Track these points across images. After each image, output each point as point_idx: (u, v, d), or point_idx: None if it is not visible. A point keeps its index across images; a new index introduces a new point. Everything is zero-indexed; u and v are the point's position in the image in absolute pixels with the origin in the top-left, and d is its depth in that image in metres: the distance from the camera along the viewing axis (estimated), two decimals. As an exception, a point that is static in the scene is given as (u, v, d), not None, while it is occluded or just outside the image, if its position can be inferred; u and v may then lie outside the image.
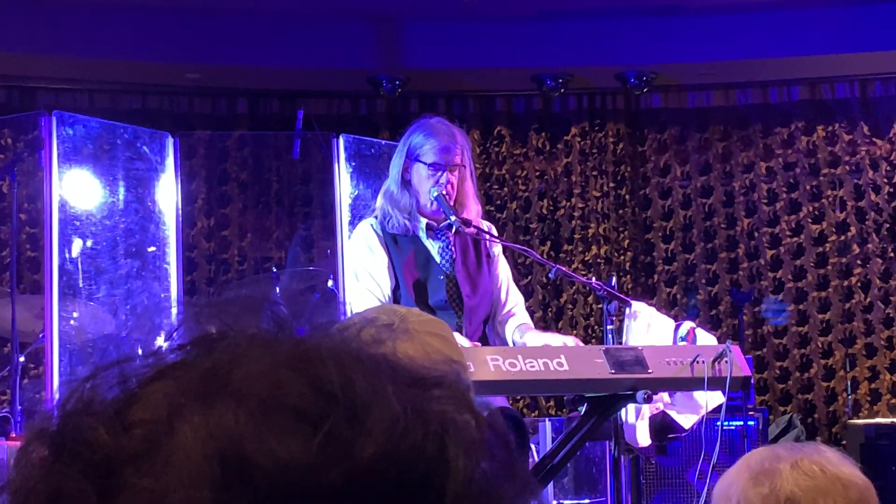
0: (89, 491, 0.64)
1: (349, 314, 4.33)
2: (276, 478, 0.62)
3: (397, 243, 4.50)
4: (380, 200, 4.62)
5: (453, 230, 4.51)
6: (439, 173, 4.44)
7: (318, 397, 0.64)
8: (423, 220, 4.51)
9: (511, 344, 4.51)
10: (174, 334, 0.71)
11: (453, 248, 4.53)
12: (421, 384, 0.68)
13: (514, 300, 4.66)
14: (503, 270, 4.68)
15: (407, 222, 4.49)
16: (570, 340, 4.38)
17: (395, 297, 4.46)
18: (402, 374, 0.68)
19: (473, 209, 4.55)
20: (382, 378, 0.66)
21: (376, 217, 4.54)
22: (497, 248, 4.71)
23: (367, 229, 4.55)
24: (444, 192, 4.44)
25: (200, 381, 0.66)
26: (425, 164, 4.45)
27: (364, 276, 4.46)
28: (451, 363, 0.72)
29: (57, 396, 0.69)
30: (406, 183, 4.50)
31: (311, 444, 0.63)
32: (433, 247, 4.52)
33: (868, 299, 8.49)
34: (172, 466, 0.63)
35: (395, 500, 0.63)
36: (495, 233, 4.74)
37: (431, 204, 4.47)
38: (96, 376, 0.68)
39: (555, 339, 4.41)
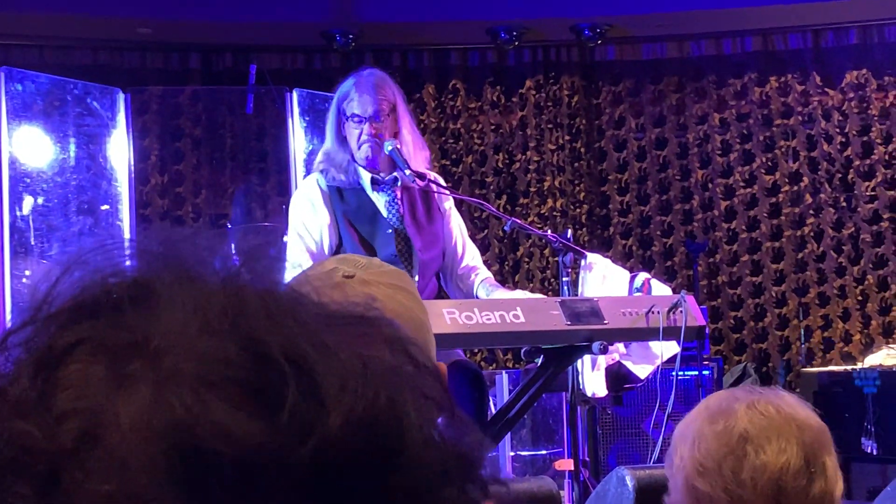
0: None
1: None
2: (242, 463, 0.59)
3: (343, 198, 4.45)
4: (319, 157, 4.58)
5: (399, 184, 4.47)
6: (363, 125, 4.40)
7: (260, 365, 0.60)
8: (367, 174, 4.46)
9: (475, 299, 4.50)
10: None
11: (400, 203, 4.49)
12: (351, 325, 0.66)
13: (471, 253, 4.64)
14: (457, 223, 4.65)
15: (344, 177, 4.44)
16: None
17: (340, 253, 4.41)
18: (331, 318, 0.66)
19: (419, 157, 4.51)
20: (316, 326, 0.63)
21: (321, 171, 4.50)
22: (449, 202, 4.67)
23: (313, 185, 4.49)
24: (397, 146, 4.41)
25: (122, 356, 0.60)
26: (348, 115, 4.42)
27: (301, 229, 4.42)
28: (371, 300, 0.70)
29: None
30: (342, 138, 4.46)
31: (271, 423, 0.59)
32: (379, 200, 4.47)
33: (821, 249, 8.56)
34: (127, 468, 0.58)
35: (363, 462, 0.62)
36: (443, 182, 4.69)
37: (367, 157, 4.42)
38: (5, 346, 0.63)
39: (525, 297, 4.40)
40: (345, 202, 4.44)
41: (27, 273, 5.81)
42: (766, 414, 1.86)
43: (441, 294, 4.64)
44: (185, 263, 0.65)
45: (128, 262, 0.66)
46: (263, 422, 0.59)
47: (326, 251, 4.39)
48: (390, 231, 4.44)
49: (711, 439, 1.85)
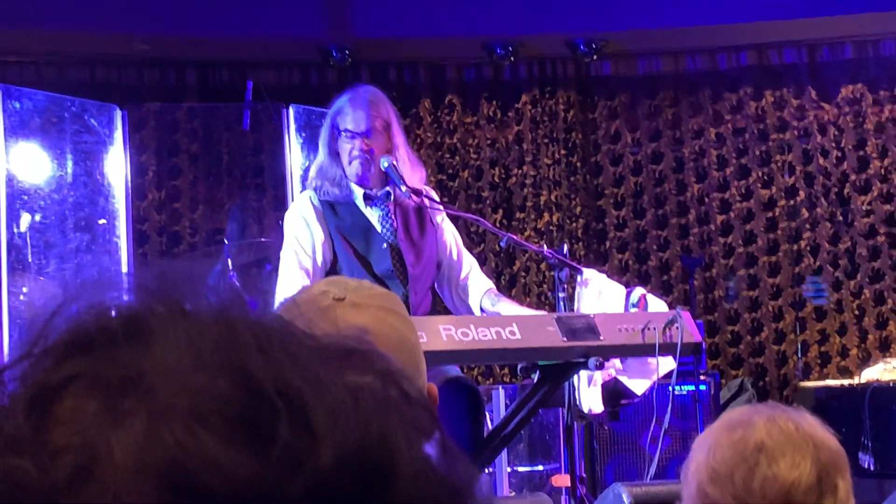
0: None
1: (279, 286, 4.33)
2: (234, 498, 0.59)
3: (336, 213, 4.45)
4: (312, 171, 4.59)
5: (391, 198, 4.47)
6: (355, 140, 4.41)
7: (252, 399, 0.61)
8: (360, 190, 4.46)
9: (479, 310, 4.50)
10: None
11: (393, 217, 4.50)
12: (343, 358, 0.66)
13: (469, 263, 4.64)
14: (451, 235, 4.65)
15: (337, 191, 4.45)
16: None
17: (335, 270, 4.41)
18: (323, 351, 0.66)
19: (415, 175, 4.52)
20: (308, 360, 0.64)
21: (314, 188, 4.51)
22: (442, 214, 4.68)
23: (305, 202, 4.50)
24: (394, 162, 4.42)
25: (117, 391, 0.61)
26: (341, 130, 4.43)
27: (295, 246, 4.42)
28: (364, 332, 0.71)
29: None
30: (335, 153, 4.47)
31: (263, 458, 0.60)
32: (373, 215, 4.48)
33: (817, 263, 8.57)
34: (119, 501, 0.58)
35: (355, 496, 0.62)
36: (435, 196, 4.69)
37: (358, 174, 4.43)
38: (0, 381, 0.63)
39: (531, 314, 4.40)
40: (338, 218, 4.44)
41: (24, 290, 5.82)
42: (785, 429, 1.86)
43: (434, 309, 4.64)
44: (179, 298, 0.66)
45: (123, 297, 0.67)
46: (256, 456, 0.60)
47: (321, 267, 4.40)
48: (385, 246, 4.45)
49: (727, 447, 1.86)
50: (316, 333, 0.68)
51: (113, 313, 0.65)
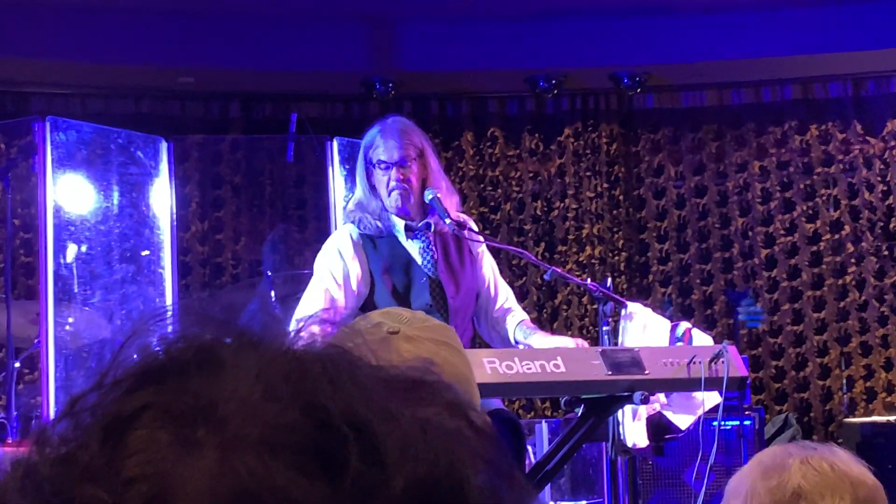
0: None
1: (298, 313, 4.31)
2: None
3: (376, 247, 4.43)
4: (350, 205, 4.57)
5: (432, 229, 4.46)
6: (390, 171, 4.40)
7: (322, 430, 0.61)
8: (401, 222, 4.45)
9: (513, 342, 4.48)
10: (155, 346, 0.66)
11: (434, 248, 4.48)
12: (410, 390, 0.66)
13: (504, 294, 4.62)
14: (489, 266, 4.63)
15: (379, 224, 4.43)
16: (580, 343, 4.35)
17: (371, 303, 4.39)
18: (390, 382, 0.66)
19: (451, 202, 4.50)
20: (376, 391, 0.64)
21: (353, 222, 4.48)
22: (481, 245, 4.66)
23: (345, 236, 4.48)
24: (437, 195, 4.41)
25: (188, 421, 0.61)
26: (374, 163, 4.42)
27: (327, 278, 4.39)
28: (430, 364, 0.71)
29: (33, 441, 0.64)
30: (372, 186, 4.46)
31: (334, 489, 0.60)
32: (413, 248, 4.46)
33: (863, 298, 8.50)
34: None
35: None
36: (473, 226, 4.68)
37: (398, 205, 4.41)
38: (72, 411, 0.64)
39: (564, 343, 4.38)
40: (378, 252, 4.42)
41: (70, 320, 5.85)
42: (820, 470, 1.84)
43: (475, 339, 4.62)
44: (247, 329, 0.67)
45: (192, 328, 0.67)
46: (326, 487, 0.60)
47: (354, 302, 4.37)
48: (425, 279, 4.43)
49: (764, 494, 1.84)
50: (382, 365, 0.68)
51: (183, 345, 0.65)
